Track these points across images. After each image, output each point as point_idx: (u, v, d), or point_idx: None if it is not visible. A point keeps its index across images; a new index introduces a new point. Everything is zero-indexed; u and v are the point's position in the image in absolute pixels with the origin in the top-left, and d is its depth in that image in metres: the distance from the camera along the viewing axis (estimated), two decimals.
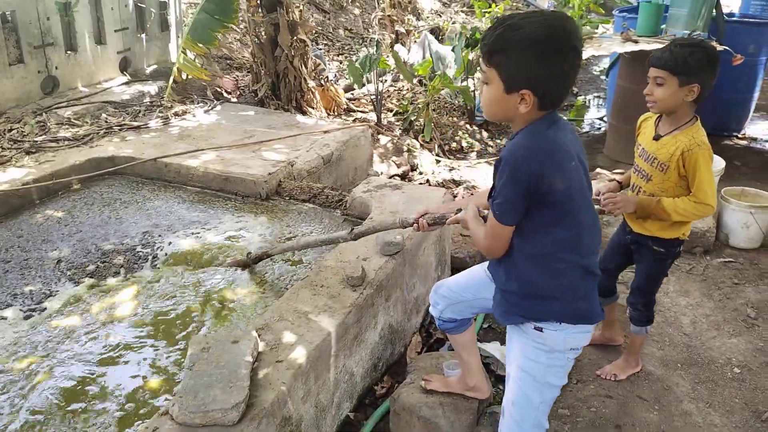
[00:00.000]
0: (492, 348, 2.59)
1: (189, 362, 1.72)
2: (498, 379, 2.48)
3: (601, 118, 6.29)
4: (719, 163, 3.53)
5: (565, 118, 6.12)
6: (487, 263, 1.90)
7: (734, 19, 5.19)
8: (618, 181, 2.39)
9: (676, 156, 2.12)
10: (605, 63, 7.39)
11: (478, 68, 1.57)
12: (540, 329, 1.62)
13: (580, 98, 7.20)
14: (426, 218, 1.91)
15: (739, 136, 5.42)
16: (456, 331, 2.02)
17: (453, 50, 5.52)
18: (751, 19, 5.33)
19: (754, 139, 5.38)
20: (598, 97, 7.20)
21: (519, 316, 1.66)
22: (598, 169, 4.43)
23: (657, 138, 2.20)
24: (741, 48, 4.64)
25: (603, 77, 7.57)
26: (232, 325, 2.24)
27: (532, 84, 1.45)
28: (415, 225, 1.93)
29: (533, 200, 1.49)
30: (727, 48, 4.38)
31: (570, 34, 1.44)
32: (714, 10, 4.46)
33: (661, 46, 2.49)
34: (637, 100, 2.64)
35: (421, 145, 5.05)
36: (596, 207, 2.72)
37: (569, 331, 1.62)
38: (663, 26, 4.57)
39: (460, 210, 1.82)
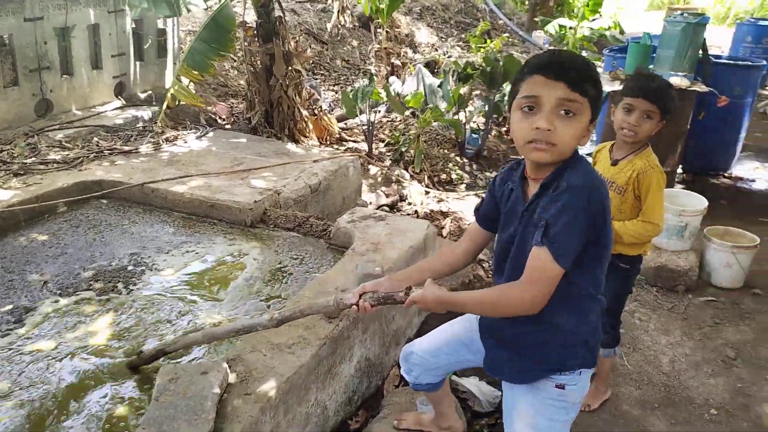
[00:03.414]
0: (470, 384, 2.58)
1: (156, 393, 1.72)
2: (474, 416, 2.46)
3: (589, 154, 6.36)
4: (701, 202, 3.57)
5: None
6: (457, 320, 1.84)
7: (721, 61, 5.29)
8: None
9: (633, 178, 2.21)
10: None
11: (561, 99, 1.36)
12: (562, 386, 1.52)
13: None
14: (368, 298, 1.62)
15: (726, 175, 5.48)
16: (432, 390, 1.98)
17: (440, 85, 5.63)
18: (737, 62, 5.44)
19: (741, 179, 5.44)
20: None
21: (541, 371, 1.54)
22: None
23: (615, 163, 2.27)
24: (727, 89, 4.73)
25: None
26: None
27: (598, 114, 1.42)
28: (354, 307, 1.64)
29: (592, 235, 1.38)
30: (713, 89, 4.47)
31: None
32: (700, 52, 4.55)
33: None
34: None
35: (411, 176, 5.09)
36: None
37: (585, 377, 1.56)
38: (651, 66, 4.66)
39: (410, 288, 1.55)
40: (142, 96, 5.10)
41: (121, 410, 1.94)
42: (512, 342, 1.57)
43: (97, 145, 4.04)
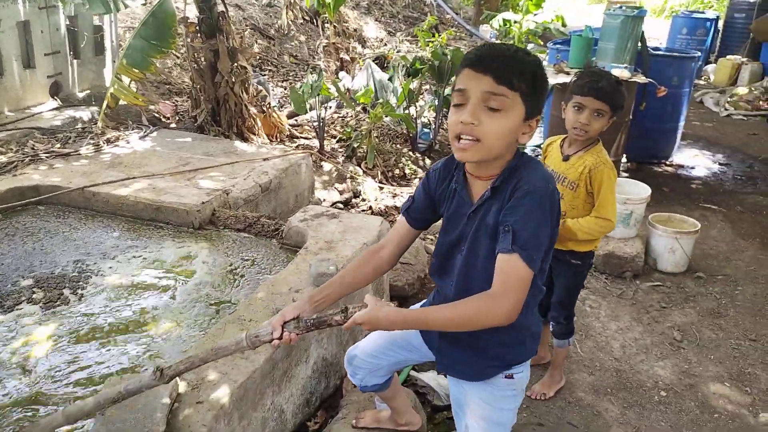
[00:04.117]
0: (428, 378, 2.58)
1: None
2: (434, 410, 2.47)
3: (538, 146, 6.49)
4: (645, 190, 3.68)
5: None
6: None
7: (659, 52, 5.47)
8: None
9: (584, 174, 2.24)
10: None
11: (486, 93, 1.33)
12: (511, 376, 1.54)
13: None
14: (292, 327, 1.47)
15: (667, 163, 5.68)
16: (380, 390, 1.97)
17: (390, 79, 5.62)
18: (674, 53, 5.64)
19: (681, 166, 5.65)
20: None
21: (500, 368, 1.55)
22: None
23: (566, 159, 2.30)
24: (665, 80, 4.90)
25: None
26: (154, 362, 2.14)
27: (542, 110, 1.37)
28: (275, 341, 1.47)
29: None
30: (652, 80, 4.62)
31: None
32: (639, 44, 4.69)
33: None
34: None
35: (364, 171, 5.05)
36: None
37: (528, 364, 1.60)
38: (593, 59, 4.77)
39: (346, 309, 1.42)
40: (81, 96, 4.88)
41: None
42: (469, 343, 1.55)
43: (33, 149, 3.84)
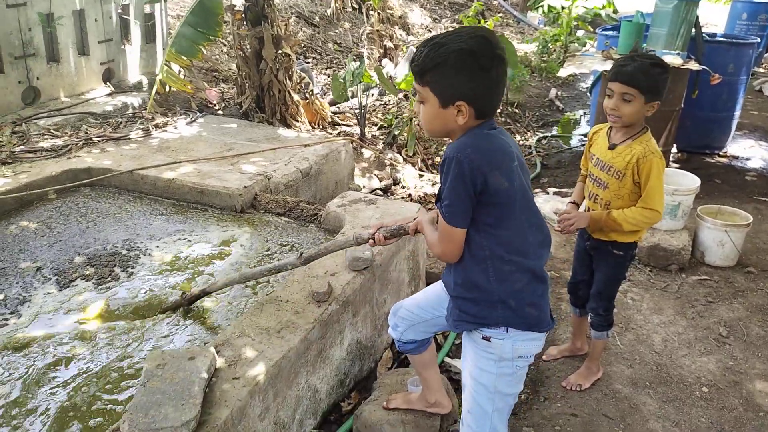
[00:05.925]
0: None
1: (143, 378, 1.71)
2: None
3: (585, 135, 6.33)
4: (694, 181, 3.55)
5: (553, 132, 6.01)
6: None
7: (715, 39, 5.24)
8: (573, 202, 2.44)
9: (632, 163, 2.18)
10: (591, 79, 7.44)
11: (414, 89, 1.65)
12: (488, 338, 1.64)
13: (567, 114, 7.25)
14: (382, 231, 1.87)
15: (721, 154, 5.46)
16: (416, 352, 2.02)
17: None
18: (730, 39, 5.39)
19: (736, 158, 5.42)
20: (586, 113, 7.26)
21: (468, 323, 1.67)
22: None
23: (612, 147, 2.24)
24: (721, 67, 4.70)
25: (588, 94, 7.64)
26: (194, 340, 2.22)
27: (465, 95, 1.51)
28: (370, 240, 1.89)
29: (478, 199, 1.52)
30: (705, 67, 4.44)
31: (493, 44, 1.50)
32: (693, 30, 4.51)
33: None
34: None
35: (405, 159, 5.06)
36: (552, 226, 2.62)
37: (517, 338, 1.64)
38: (644, 45, 4.62)
39: (415, 219, 1.82)
40: (132, 82, 5.05)
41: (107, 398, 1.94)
42: (451, 295, 1.74)
43: (86, 133, 4.01)
